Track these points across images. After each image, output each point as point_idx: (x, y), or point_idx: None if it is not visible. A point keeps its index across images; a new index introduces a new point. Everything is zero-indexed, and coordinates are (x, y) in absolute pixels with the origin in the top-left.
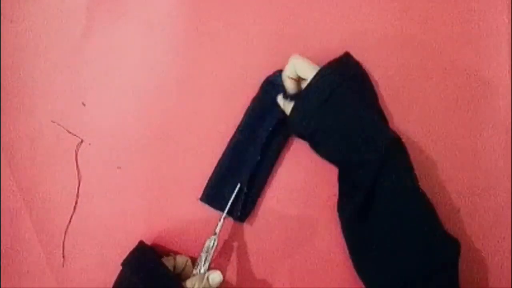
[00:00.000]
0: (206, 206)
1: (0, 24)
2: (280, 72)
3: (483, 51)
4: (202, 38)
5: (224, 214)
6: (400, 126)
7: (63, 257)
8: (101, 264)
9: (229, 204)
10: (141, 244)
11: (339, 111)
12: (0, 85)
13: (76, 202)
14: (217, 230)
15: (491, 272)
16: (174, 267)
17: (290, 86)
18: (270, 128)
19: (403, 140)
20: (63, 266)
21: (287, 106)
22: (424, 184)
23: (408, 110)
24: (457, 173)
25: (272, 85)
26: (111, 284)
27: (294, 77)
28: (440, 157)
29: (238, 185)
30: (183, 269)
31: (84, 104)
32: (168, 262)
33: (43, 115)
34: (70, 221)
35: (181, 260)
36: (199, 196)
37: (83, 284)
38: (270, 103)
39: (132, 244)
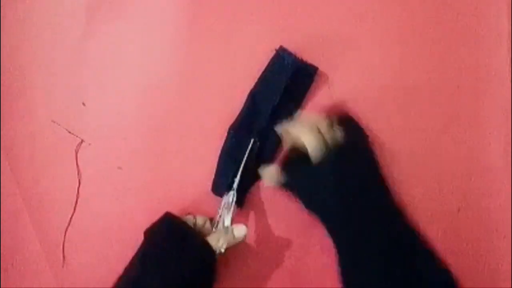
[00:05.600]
0: (206, 205)
1: (0, 24)
2: (284, 50)
3: (483, 51)
4: (202, 38)
5: (241, 170)
6: (400, 126)
7: (63, 257)
8: (101, 264)
9: (245, 157)
10: (167, 215)
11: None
12: (0, 85)
13: (76, 202)
14: (235, 185)
15: (491, 272)
16: (194, 225)
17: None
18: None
19: (403, 140)
20: (63, 266)
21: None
22: (424, 185)
23: (408, 110)
24: (457, 173)
25: (276, 68)
26: (112, 284)
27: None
28: (440, 157)
29: (252, 140)
30: (202, 227)
31: (84, 104)
32: (188, 220)
33: (43, 115)
34: (70, 221)
35: (200, 219)
36: (199, 195)
37: (83, 284)
38: (271, 89)
39: (132, 244)
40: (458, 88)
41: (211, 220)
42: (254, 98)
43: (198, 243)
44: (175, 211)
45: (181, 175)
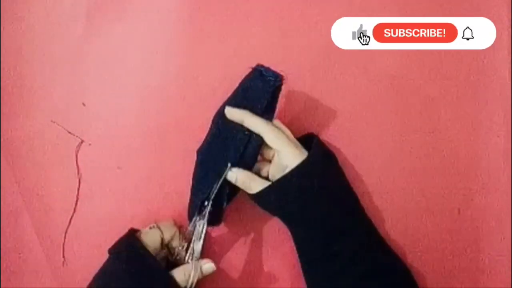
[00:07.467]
0: None
1: (0, 24)
2: (262, 67)
3: (483, 51)
4: (202, 38)
5: (213, 195)
6: (400, 126)
7: (63, 257)
8: (101, 264)
9: (218, 184)
10: (130, 233)
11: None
12: (0, 85)
13: (76, 202)
14: (205, 212)
15: (491, 272)
16: (162, 239)
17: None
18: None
19: (402, 140)
20: (63, 266)
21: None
22: (424, 184)
23: (408, 109)
24: (457, 173)
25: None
26: None
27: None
28: (440, 157)
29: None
30: (171, 241)
31: (84, 104)
32: (154, 235)
33: (43, 115)
34: (70, 222)
35: (168, 232)
36: None
37: (83, 284)
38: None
39: None
40: (458, 88)
41: (180, 227)
42: (223, 122)
43: (163, 281)
44: (174, 212)
45: (181, 175)
